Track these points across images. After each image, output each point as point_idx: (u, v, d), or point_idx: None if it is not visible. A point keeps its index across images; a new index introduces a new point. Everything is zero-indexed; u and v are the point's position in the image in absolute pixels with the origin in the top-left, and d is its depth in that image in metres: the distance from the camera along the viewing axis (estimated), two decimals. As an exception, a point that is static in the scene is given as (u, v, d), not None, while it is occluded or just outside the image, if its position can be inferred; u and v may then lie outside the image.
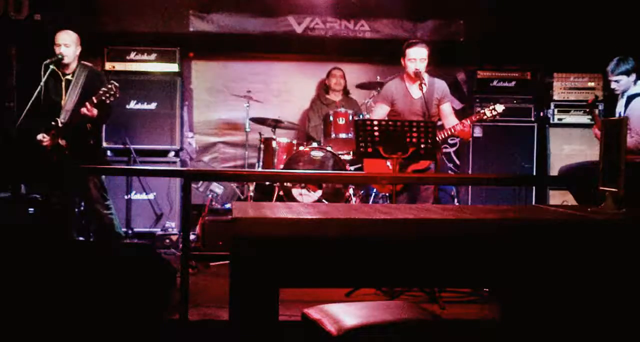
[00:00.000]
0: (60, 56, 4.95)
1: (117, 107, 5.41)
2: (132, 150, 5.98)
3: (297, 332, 2.53)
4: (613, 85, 4.83)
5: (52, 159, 4.88)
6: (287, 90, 7.11)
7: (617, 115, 4.91)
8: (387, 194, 5.49)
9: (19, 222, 4.99)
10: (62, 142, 4.86)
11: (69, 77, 5.02)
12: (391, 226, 2.12)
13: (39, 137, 4.89)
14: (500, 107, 4.75)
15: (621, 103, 4.88)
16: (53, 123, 4.89)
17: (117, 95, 4.86)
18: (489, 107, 4.79)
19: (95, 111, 4.85)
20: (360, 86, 6.69)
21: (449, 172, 6.79)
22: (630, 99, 4.77)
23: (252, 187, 6.20)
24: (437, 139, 4.51)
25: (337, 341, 2.24)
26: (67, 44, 4.96)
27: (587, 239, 2.16)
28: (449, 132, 4.79)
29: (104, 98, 4.80)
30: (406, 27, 6.74)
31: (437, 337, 2.36)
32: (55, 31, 5.09)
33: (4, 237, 3.93)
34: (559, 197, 6.28)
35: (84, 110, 4.81)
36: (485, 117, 4.77)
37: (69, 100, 4.96)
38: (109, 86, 4.83)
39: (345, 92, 6.77)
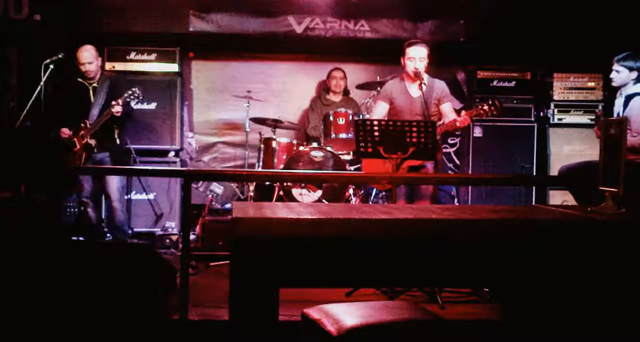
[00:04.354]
0: (61, 56, 5.26)
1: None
2: (132, 150, 5.98)
3: (297, 332, 2.53)
4: (612, 74, 4.84)
5: (79, 158, 5.27)
6: (287, 90, 7.11)
7: (615, 114, 4.90)
8: (385, 192, 5.48)
9: (19, 222, 4.99)
10: (91, 141, 5.24)
11: (95, 85, 5.39)
12: (391, 226, 2.12)
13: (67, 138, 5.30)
14: (498, 103, 4.67)
15: (619, 102, 4.87)
16: (82, 125, 5.27)
17: (141, 97, 5.30)
18: (487, 103, 4.70)
19: (119, 108, 5.19)
20: (360, 86, 6.68)
21: (449, 172, 6.79)
22: (628, 98, 4.77)
23: (252, 187, 6.19)
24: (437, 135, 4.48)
25: (337, 341, 2.24)
26: (90, 61, 5.35)
27: (587, 239, 2.16)
28: (447, 127, 4.75)
29: (128, 100, 5.25)
30: (406, 27, 6.73)
31: (437, 337, 2.36)
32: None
33: (4, 238, 3.93)
34: (559, 197, 6.28)
35: (113, 109, 5.18)
36: (482, 112, 4.67)
37: (95, 105, 5.34)
38: (133, 89, 5.25)
39: (345, 92, 6.77)
